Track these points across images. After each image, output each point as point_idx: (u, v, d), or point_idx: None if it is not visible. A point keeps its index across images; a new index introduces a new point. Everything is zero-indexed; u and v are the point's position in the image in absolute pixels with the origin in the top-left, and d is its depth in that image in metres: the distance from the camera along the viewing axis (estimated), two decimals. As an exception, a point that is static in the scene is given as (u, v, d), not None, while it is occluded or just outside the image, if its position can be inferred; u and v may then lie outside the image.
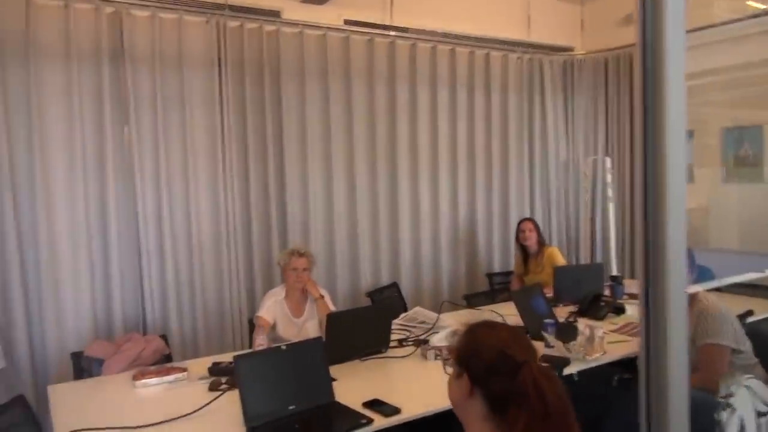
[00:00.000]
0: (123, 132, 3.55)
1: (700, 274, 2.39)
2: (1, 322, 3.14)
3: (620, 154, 5.51)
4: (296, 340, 2.98)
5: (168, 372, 2.57)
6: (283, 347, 2.26)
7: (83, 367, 2.88)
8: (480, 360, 1.30)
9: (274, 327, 3.20)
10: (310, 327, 3.26)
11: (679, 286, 0.73)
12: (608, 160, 5.23)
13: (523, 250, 4.42)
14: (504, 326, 1.45)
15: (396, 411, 2.14)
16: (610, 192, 5.15)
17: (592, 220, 5.49)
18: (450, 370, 1.38)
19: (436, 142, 4.72)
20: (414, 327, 3.30)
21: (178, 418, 2.12)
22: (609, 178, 5.17)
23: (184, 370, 2.61)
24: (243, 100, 3.91)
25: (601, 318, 3.44)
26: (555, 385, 1.25)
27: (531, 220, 4.47)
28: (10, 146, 3.21)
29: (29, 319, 3.29)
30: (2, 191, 3.18)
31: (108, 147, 3.47)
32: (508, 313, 3.35)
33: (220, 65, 3.82)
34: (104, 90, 3.45)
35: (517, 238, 4.45)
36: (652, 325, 0.80)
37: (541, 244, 4.37)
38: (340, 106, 4.30)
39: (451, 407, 1.39)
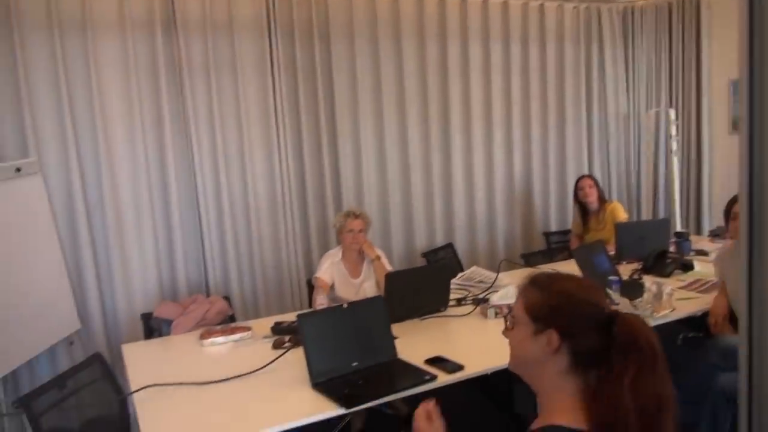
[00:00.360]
0: (179, 101, 3.60)
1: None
2: (75, 288, 3.29)
3: (685, 105, 5.23)
4: (354, 300, 3.00)
5: (233, 331, 2.65)
6: (345, 306, 2.28)
7: (153, 327, 3.00)
8: (569, 313, 1.25)
9: (332, 288, 3.23)
10: (368, 287, 3.28)
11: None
12: (672, 113, 4.98)
13: (582, 208, 4.29)
14: (577, 277, 1.39)
15: (459, 368, 2.14)
16: (674, 145, 4.91)
17: (655, 175, 5.27)
18: (521, 327, 1.30)
19: (490, 99, 4.59)
20: (472, 286, 3.27)
21: (246, 374, 2.18)
22: (673, 131, 4.92)
23: (249, 329, 2.68)
24: (294, 65, 3.89)
25: (667, 275, 3.32)
26: (651, 331, 1.22)
27: (590, 176, 4.31)
28: (73, 118, 3.31)
29: (100, 282, 3.45)
30: (69, 162, 3.30)
31: (165, 116, 3.53)
32: (569, 271, 3.28)
33: (270, 30, 3.80)
34: (159, 60, 3.49)
35: (576, 196, 4.31)
36: (755, 267, 0.74)
37: (602, 200, 4.23)
38: (390, 67, 4.23)
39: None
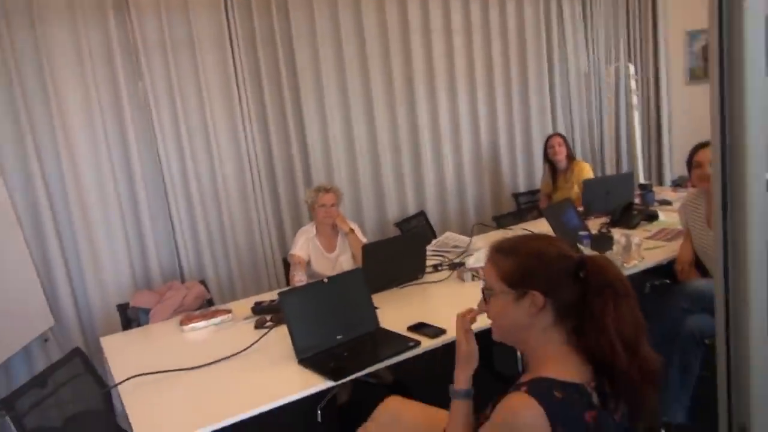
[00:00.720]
0: (137, 85, 3.49)
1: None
2: (44, 283, 3.22)
3: (643, 59, 5.31)
4: (332, 274, 3.01)
5: (213, 314, 2.63)
6: (325, 281, 2.28)
7: (130, 317, 2.96)
8: (546, 271, 1.29)
9: (308, 264, 3.23)
10: (344, 261, 3.29)
11: (758, 183, 0.69)
12: (631, 67, 5.05)
13: (551, 166, 4.35)
14: (539, 234, 1.46)
15: (441, 332, 2.17)
16: (635, 99, 5.00)
17: (617, 129, 5.37)
18: (499, 297, 1.33)
19: (453, 63, 4.58)
20: (447, 252, 3.31)
21: (231, 356, 2.18)
22: (633, 85, 5.01)
23: (229, 311, 2.67)
24: (253, 39, 3.81)
25: (634, 226, 3.41)
26: (615, 265, 1.31)
27: (559, 135, 4.36)
28: (28, 111, 3.19)
29: (70, 276, 3.38)
30: (27, 155, 3.19)
31: (124, 101, 3.43)
32: (539, 229, 3.35)
33: (226, 3, 3.70)
34: (113, 43, 3.37)
35: (546, 155, 4.36)
36: (731, 218, 0.78)
37: (571, 158, 4.29)
38: (352, 35, 4.17)
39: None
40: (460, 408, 1.48)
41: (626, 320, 1.26)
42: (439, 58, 4.52)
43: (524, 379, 1.32)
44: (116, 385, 2.04)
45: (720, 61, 0.64)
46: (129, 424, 1.83)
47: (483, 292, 1.40)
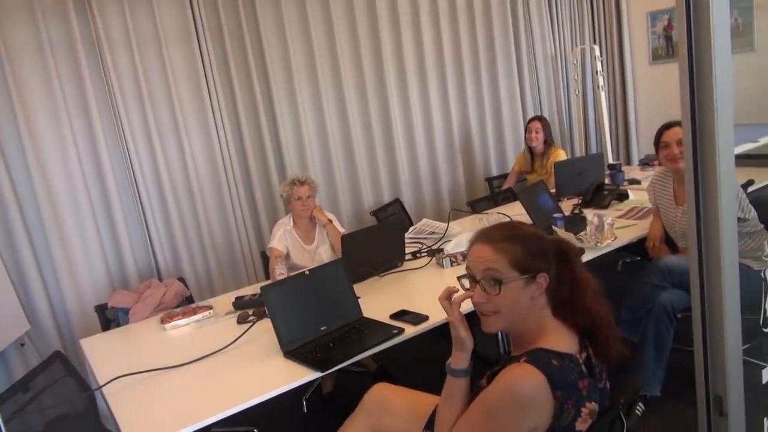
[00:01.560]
0: (102, 81, 3.42)
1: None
2: (17, 287, 3.16)
3: (607, 40, 5.40)
4: (311, 266, 3.02)
5: (194, 311, 2.62)
6: (306, 272, 2.29)
7: (109, 318, 2.93)
8: (544, 252, 1.38)
9: (287, 256, 3.23)
10: (323, 252, 3.30)
11: (728, 160, 0.73)
12: (596, 48, 5.12)
13: (530, 148, 4.41)
14: (518, 221, 1.55)
15: (424, 318, 2.21)
16: (600, 80, 5.08)
17: (584, 111, 5.46)
18: (512, 285, 1.34)
19: (422, 51, 4.59)
20: (425, 238, 3.35)
21: (215, 352, 2.18)
22: (599, 66, 5.09)
23: (210, 307, 2.66)
24: (220, 31, 3.76)
25: (605, 206, 3.49)
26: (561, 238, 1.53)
27: (540, 118, 4.40)
28: (-11, 110, 3.11)
29: (44, 279, 3.33)
30: (-9, 157, 3.11)
31: (90, 98, 3.36)
32: (514, 213, 3.40)
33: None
34: (75, 40, 3.30)
35: (525, 137, 4.43)
36: (703, 196, 0.81)
37: (548, 144, 4.35)
38: (320, 24, 4.14)
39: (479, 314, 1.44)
40: (456, 385, 1.47)
41: (589, 284, 1.41)
42: (408, 46, 4.53)
43: (519, 351, 1.38)
44: (101, 387, 2.02)
45: (688, 38, 0.67)
46: (115, 424, 1.82)
47: (482, 283, 1.38)
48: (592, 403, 1.32)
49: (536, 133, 4.30)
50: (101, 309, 2.95)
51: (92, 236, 3.43)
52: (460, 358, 1.48)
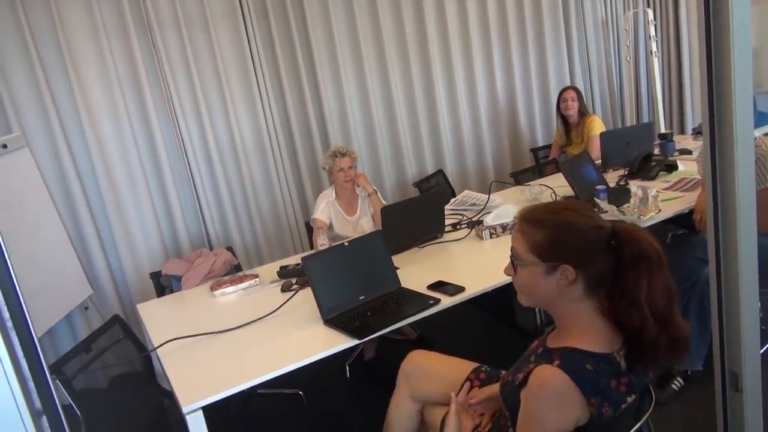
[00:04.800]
0: (153, 60, 3.55)
1: (759, 118, 2.31)
2: (81, 256, 3.36)
3: (662, 4, 5.16)
4: (353, 237, 3.09)
5: (242, 280, 2.74)
6: (346, 244, 2.36)
7: (163, 284, 3.09)
8: (578, 243, 1.27)
9: (330, 227, 3.32)
10: (365, 223, 3.37)
11: (746, 130, 0.73)
12: (650, 12, 4.92)
13: (564, 119, 4.32)
14: (569, 203, 1.40)
15: (461, 289, 2.25)
16: (654, 46, 4.89)
17: (636, 78, 5.27)
18: (529, 269, 1.32)
19: (466, 17, 4.52)
20: (465, 210, 3.36)
21: (260, 318, 2.29)
22: (652, 31, 4.88)
23: (256, 276, 2.78)
24: (264, 8, 3.82)
25: (652, 177, 3.41)
26: (649, 234, 1.28)
27: (574, 88, 4.30)
28: (50, 89, 3.28)
29: (104, 247, 3.52)
30: (53, 133, 3.30)
31: (142, 75, 3.49)
32: (557, 185, 3.37)
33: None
34: (127, 20, 3.41)
35: (558, 107, 4.33)
36: (720, 171, 0.82)
37: (582, 113, 4.25)
38: (364, -1, 4.14)
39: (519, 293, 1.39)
40: None
41: (659, 291, 1.24)
42: (453, 13, 4.46)
43: (555, 344, 1.36)
44: (155, 349, 2.16)
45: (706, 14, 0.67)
46: (168, 383, 1.96)
47: (511, 259, 1.37)
48: (633, 396, 1.31)
49: (572, 101, 4.19)
50: (156, 276, 3.11)
51: (147, 208, 3.60)
52: None
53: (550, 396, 1.24)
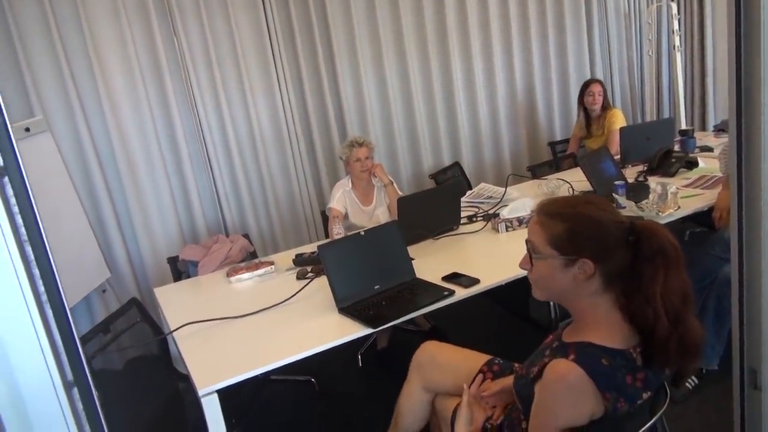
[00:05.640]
0: (173, 45, 3.57)
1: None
2: (99, 239, 3.41)
3: (687, -3, 5.08)
4: (368, 227, 3.10)
5: (257, 267, 2.77)
6: (362, 233, 2.37)
7: (180, 269, 3.13)
8: (597, 237, 1.26)
9: (346, 216, 3.33)
10: (381, 214, 3.38)
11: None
12: (674, 6, 4.84)
13: (585, 112, 4.28)
14: (590, 197, 1.40)
15: (475, 281, 2.25)
16: (677, 41, 4.81)
17: (658, 73, 5.20)
18: (547, 262, 1.31)
19: (486, 6, 4.48)
20: (482, 203, 3.35)
21: (275, 305, 2.31)
22: (675, 25, 4.81)
23: (272, 263, 2.80)
24: (284, -6, 3.83)
25: (672, 174, 3.37)
26: (669, 232, 1.26)
27: (600, 82, 4.23)
28: (72, 73, 3.31)
29: (122, 231, 3.57)
30: (75, 116, 3.34)
31: (162, 61, 3.51)
32: (574, 179, 3.35)
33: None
34: (148, 5, 3.43)
35: (581, 100, 4.29)
36: (746, 168, 0.80)
37: (605, 107, 4.21)
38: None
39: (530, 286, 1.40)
40: None
41: (674, 290, 1.24)
42: (473, 5, 4.43)
43: (570, 338, 1.35)
44: (172, 332, 2.19)
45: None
46: (184, 366, 1.99)
47: (528, 251, 1.36)
48: (648, 392, 1.31)
49: (598, 96, 4.15)
50: (173, 261, 3.15)
51: (165, 193, 3.64)
52: None
53: (565, 389, 1.25)
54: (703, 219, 3.00)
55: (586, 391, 1.23)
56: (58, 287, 0.75)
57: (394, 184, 3.39)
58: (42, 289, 0.74)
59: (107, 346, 2.27)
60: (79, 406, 0.79)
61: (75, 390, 0.79)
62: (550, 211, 1.33)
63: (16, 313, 0.72)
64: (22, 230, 0.73)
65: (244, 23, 3.74)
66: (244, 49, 3.75)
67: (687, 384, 2.50)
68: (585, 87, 4.26)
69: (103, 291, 3.42)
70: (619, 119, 4.11)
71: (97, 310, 3.44)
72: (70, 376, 0.78)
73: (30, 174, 0.76)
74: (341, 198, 3.33)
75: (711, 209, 2.82)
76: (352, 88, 4.15)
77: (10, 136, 0.71)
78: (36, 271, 0.74)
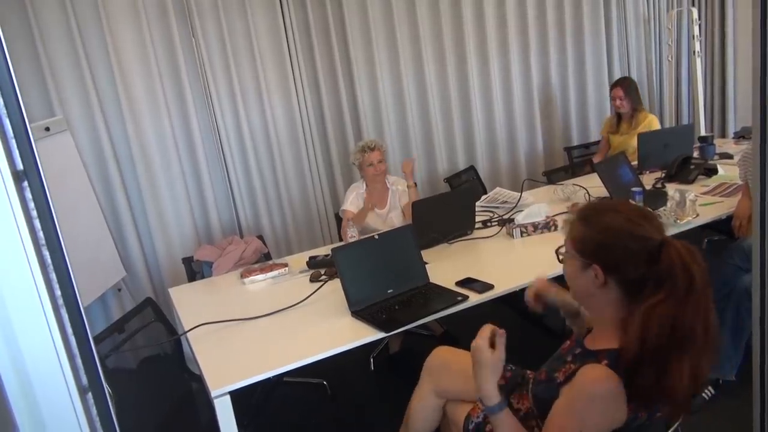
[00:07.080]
0: (191, 45, 3.60)
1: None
2: (116, 239, 3.45)
3: (708, 3, 5.02)
4: (382, 230, 3.10)
5: (271, 268, 2.78)
6: (376, 237, 2.37)
7: (195, 270, 3.15)
8: (613, 249, 1.27)
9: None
10: (395, 217, 3.37)
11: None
12: (694, 11, 4.79)
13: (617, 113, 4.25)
14: (627, 207, 1.37)
15: (489, 287, 2.23)
16: (697, 46, 4.75)
17: (677, 79, 5.14)
18: (571, 261, 1.35)
19: (504, 10, 4.46)
20: (496, 207, 3.34)
21: (289, 307, 2.32)
22: (696, 31, 4.75)
23: (285, 265, 2.80)
24: (302, -4, 3.84)
25: (690, 181, 3.33)
26: (699, 259, 1.23)
27: (621, 84, 4.14)
28: (92, 73, 3.35)
29: (138, 232, 3.60)
30: (94, 116, 3.38)
31: (180, 61, 3.54)
32: (590, 185, 3.31)
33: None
34: (167, 6, 3.46)
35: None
36: None
37: (635, 108, 4.11)
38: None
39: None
40: (506, 419, 1.40)
41: (662, 322, 1.20)
42: (491, 8, 4.41)
43: (595, 346, 1.35)
44: (186, 332, 2.21)
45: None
46: (197, 366, 2.00)
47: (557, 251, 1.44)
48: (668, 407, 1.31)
49: (620, 101, 4.10)
50: (188, 261, 3.17)
51: (181, 193, 3.66)
52: (491, 392, 1.39)
53: (599, 395, 1.24)
54: (722, 227, 2.96)
55: (618, 399, 1.23)
56: (74, 292, 0.76)
57: (412, 188, 3.37)
58: (59, 293, 0.74)
59: (121, 345, 2.29)
60: (94, 411, 0.80)
61: (89, 395, 0.80)
62: (583, 213, 1.38)
63: (32, 318, 0.72)
64: (40, 234, 0.74)
65: (261, 25, 3.76)
66: (262, 51, 3.77)
67: (703, 395, 2.47)
68: (609, 91, 4.22)
69: (119, 290, 3.45)
70: (653, 124, 4.05)
71: (112, 309, 3.48)
72: (85, 381, 0.79)
73: (48, 173, 0.77)
74: (355, 200, 3.33)
75: (730, 218, 2.78)
76: (368, 90, 4.15)
77: (30, 141, 0.72)
78: (53, 276, 0.75)
